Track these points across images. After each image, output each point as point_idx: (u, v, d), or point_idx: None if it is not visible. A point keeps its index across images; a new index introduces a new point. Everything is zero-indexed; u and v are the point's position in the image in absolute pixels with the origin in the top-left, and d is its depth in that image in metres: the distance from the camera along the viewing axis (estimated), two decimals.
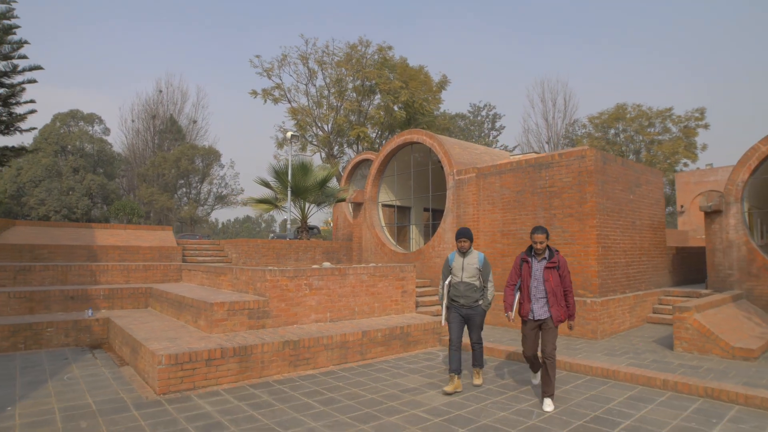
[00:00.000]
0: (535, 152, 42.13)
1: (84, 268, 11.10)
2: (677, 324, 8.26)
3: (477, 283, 6.16)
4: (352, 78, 30.91)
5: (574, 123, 48.13)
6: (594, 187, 9.65)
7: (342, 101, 31.17)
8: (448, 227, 12.44)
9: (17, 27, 17.41)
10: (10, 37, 17.46)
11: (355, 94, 31.43)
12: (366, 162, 20.68)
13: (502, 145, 53.63)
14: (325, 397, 5.84)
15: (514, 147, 51.19)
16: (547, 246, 5.68)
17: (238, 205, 56.80)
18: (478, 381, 6.42)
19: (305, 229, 17.50)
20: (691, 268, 14.00)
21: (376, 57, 30.69)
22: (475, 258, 6.20)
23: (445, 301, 6.23)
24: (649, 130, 39.53)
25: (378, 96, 31.01)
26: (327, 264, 10.18)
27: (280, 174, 17.07)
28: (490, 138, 55.05)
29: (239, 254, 14.41)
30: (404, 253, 14.02)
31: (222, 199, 57.47)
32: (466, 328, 6.35)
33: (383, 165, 15.30)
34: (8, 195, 44.54)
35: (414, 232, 16.86)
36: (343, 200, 18.02)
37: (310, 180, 16.89)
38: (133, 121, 58.32)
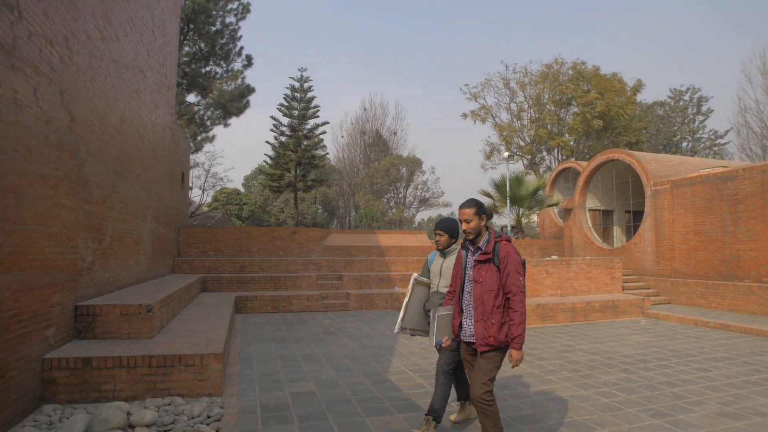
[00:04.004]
0: (754, 132, 39.52)
1: (380, 261, 16.74)
2: None
3: None
4: (549, 93, 34.12)
5: None
6: None
7: (541, 114, 34.59)
8: (647, 228, 15.47)
9: (314, 97, 24.88)
10: (312, 104, 25.00)
11: (552, 107, 34.59)
12: (567, 170, 23.93)
13: (710, 131, 50.14)
14: (570, 334, 9.96)
15: (726, 131, 48.12)
16: (488, 229, 3.86)
17: (440, 206, 62.56)
18: (456, 417, 4.84)
19: (520, 230, 21.59)
20: None
21: (570, 72, 33.54)
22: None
23: (404, 303, 4.57)
24: None
25: (574, 106, 33.66)
26: (554, 257, 14.19)
27: (499, 186, 21.38)
28: (695, 124, 51.84)
29: None
30: (609, 249, 17.35)
31: (425, 202, 63.98)
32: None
33: (588, 178, 18.70)
34: (257, 205, 56.30)
35: (617, 232, 19.87)
36: (555, 205, 21.59)
37: (523, 190, 20.89)
38: (342, 137, 67.51)
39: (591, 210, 19.21)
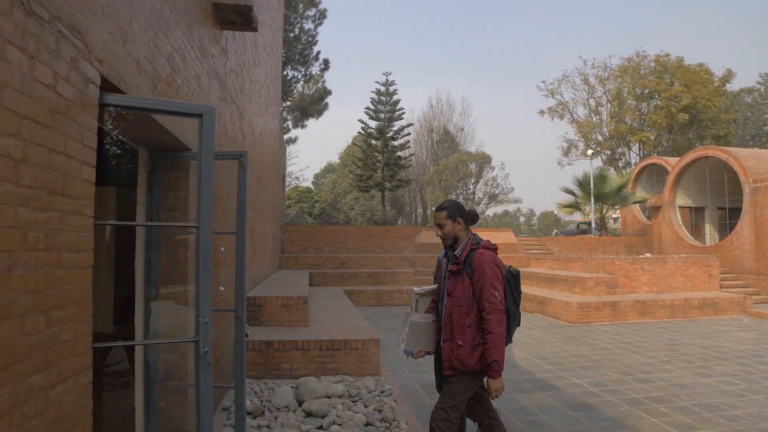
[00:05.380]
0: None
1: None
2: None
3: None
4: (629, 87, 33.40)
5: None
6: None
7: (620, 109, 33.93)
8: (745, 225, 15.26)
9: (399, 100, 26.01)
10: (397, 107, 26.09)
11: (634, 102, 33.81)
12: (650, 166, 23.55)
13: None
14: (671, 330, 10.25)
15: None
16: (469, 234, 3.35)
17: (510, 203, 62.15)
18: None
19: (604, 227, 21.58)
20: None
21: (652, 65, 32.66)
22: None
23: (407, 320, 3.66)
24: None
25: (656, 99, 32.73)
26: (648, 254, 14.34)
27: (583, 183, 21.48)
28: None
29: (561, 248, 19.38)
30: (702, 247, 17.18)
31: (494, 198, 63.68)
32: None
33: (679, 175, 18.53)
34: (328, 203, 58.02)
35: (709, 229, 19.54)
36: (642, 202, 21.31)
37: (607, 187, 20.87)
38: (409, 134, 67.86)
39: (681, 207, 19.00)
